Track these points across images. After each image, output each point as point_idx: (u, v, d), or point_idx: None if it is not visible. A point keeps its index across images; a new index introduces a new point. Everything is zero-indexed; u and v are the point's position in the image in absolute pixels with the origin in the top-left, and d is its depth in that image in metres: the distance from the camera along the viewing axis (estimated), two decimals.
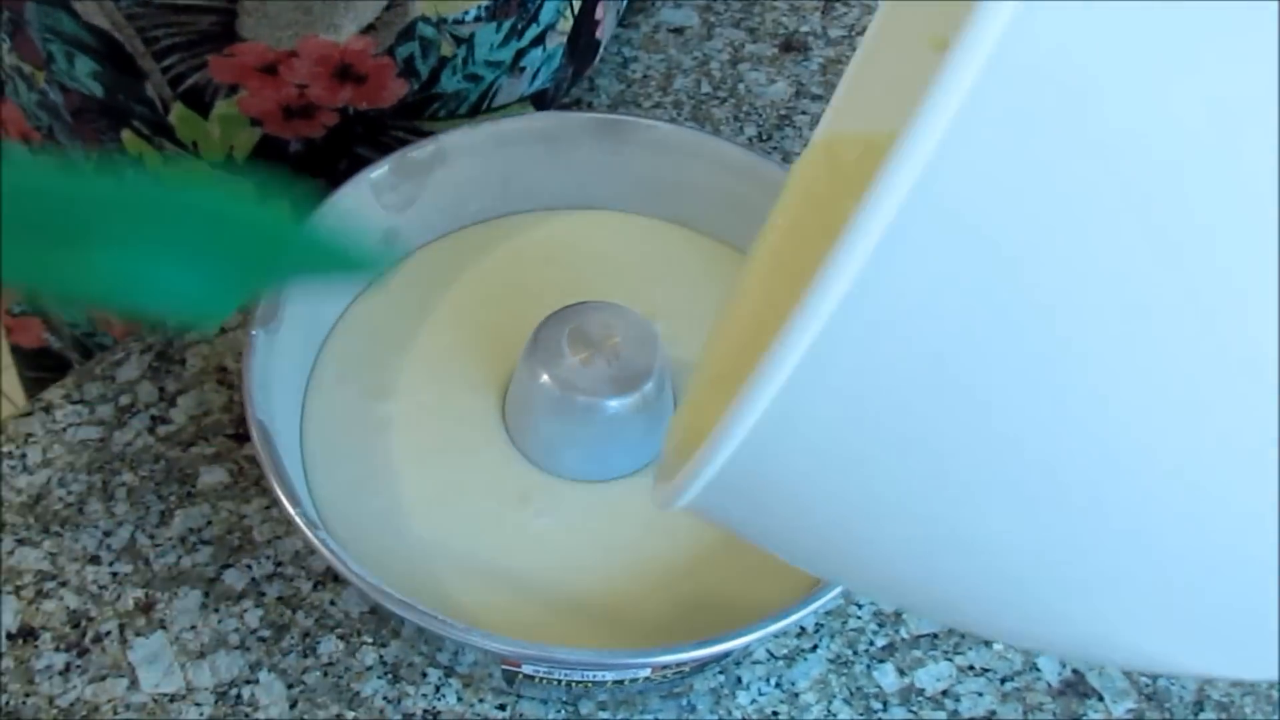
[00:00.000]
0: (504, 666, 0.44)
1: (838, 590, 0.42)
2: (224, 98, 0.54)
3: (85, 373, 0.55)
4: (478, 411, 0.50)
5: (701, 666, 0.46)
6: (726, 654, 0.44)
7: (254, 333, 0.46)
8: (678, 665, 0.43)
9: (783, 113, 0.70)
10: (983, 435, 0.24)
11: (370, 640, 0.49)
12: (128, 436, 0.53)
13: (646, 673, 0.44)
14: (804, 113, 0.70)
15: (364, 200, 0.52)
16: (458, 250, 0.55)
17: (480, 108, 0.58)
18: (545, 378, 0.46)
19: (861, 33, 0.75)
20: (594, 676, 0.44)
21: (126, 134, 0.58)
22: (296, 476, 0.45)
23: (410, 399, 0.50)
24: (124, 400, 0.54)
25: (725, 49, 0.73)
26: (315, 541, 0.41)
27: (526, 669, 0.43)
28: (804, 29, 0.75)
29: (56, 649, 0.47)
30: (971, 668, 0.50)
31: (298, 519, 0.41)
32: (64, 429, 0.53)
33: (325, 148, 0.57)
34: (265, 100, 0.54)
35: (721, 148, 0.55)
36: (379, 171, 0.52)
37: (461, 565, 0.46)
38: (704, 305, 0.54)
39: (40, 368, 0.78)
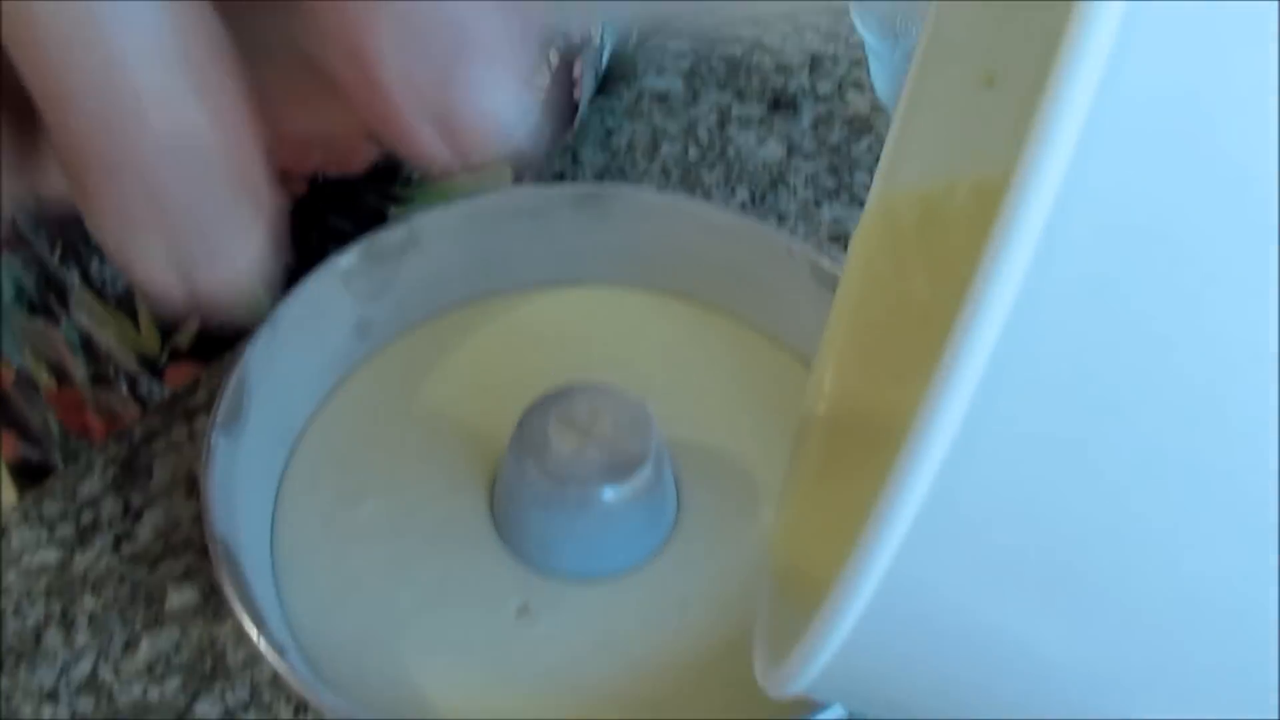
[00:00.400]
0: None
1: None
2: None
3: (45, 490, 0.51)
4: (464, 510, 0.46)
5: None
6: None
7: (214, 439, 0.42)
8: None
9: (775, 174, 0.67)
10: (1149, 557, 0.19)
11: None
12: (89, 558, 0.49)
13: None
14: (797, 171, 0.67)
15: (333, 291, 0.48)
16: (436, 337, 0.51)
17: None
18: (533, 470, 0.43)
19: (853, 86, 0.72)
20: None
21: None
22: (266, 593, 0.41)
23: (390, 501, 0.46)
24: (86, 518, 0.50)
25: (712, 112, 0.70)
26: (284, 669, 0.37)
27: None
28: (792, 87, 0.72)
29: None
30: None
31: (262, 645, 0.37)
32: (20, 555, 0.49)
33: (294, 218, 0.54)
34: None
35: (710, 213, 0.52)
36: (347, 259, 0.48)
37: (454, 681, 0.42)
38: (699, 379, 0.51)
39: (26, 481, 0.74)
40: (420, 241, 0.50)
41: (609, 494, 0.42)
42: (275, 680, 0.46)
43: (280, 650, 0.37)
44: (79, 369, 0.65)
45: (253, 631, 0.37)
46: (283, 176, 0.53)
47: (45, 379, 0.68)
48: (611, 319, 0.53)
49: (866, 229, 0.34)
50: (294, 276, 0.47)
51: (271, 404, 0.45)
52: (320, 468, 0.47)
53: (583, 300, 0.53)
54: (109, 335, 0.62)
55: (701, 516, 0.46)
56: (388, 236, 0.49)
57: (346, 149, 0.52)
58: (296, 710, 0.45)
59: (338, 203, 0.54)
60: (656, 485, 0.44)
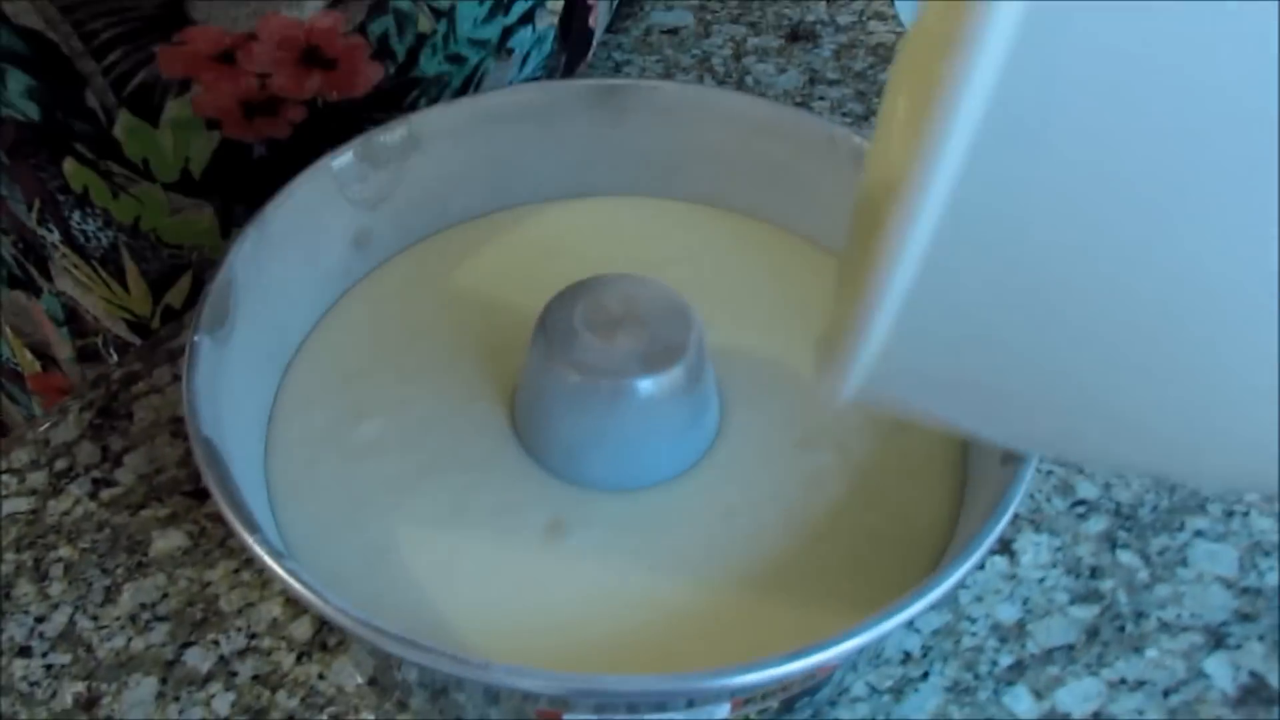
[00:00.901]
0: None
1: (963, 569, 0.32)
2: (175, 96, 0.47)
3: (14, 439, 0.46)
4: (481, 423, 0.41)
5: (790, 705, 0.36)
6: (831, 671, 0.34)
7: (196, 338, 0.37)
8: (764, 693, 0.33)
9: (798, 101, 0.62)
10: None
11: (371, 717, 0.39)
12: (65, 505, 0.44)
13: (724, 713, 0.34)
14: (822, 98, 0.62)
15: (327, 194, 0.43)
16: (443, 252, 0.47)
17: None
18: (560, 365, 0.38)
19: (875, 16, 0.68)
20: None
21: (69, 164, 0.50)
22: (261, 513, 0.36)
23: (398, 417, 0.41)
24: (60, 465, 0.45)
25: (726, 44, 0.65)
26: (280, 572, 0.31)
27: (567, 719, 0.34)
28: (810, 19, 0.67)
29: None
30: (1123, 681, 0.40)
31: (256, 546, 0.32)
32: None
33: (294, 150, 0.49)
34: (222, 96, 0.47)
35: (740, 103, 0.47)
36: (343, 159, 0.44)
37: (475, 605, 0.36)
38: (737, 286, 0.46)
39: None
40: (421, 143, 0.45)
41: (647, 387, 0.37)
42: (275, 625, 0.41)
43: (276, 554, 0.32)
44: (63, 346, 0.60)
45: (244, 534, 0.32)
46: (279, 103, 0.49)
47: (28, 361, 0.63)
48: (635, 230, 0.48)
49: None
50: None
51: (263, 314, 0.40)
52: (319, 386, 0.42)
53: (602, 211, 0.48)
54: (95, 301, 0.57)
55: (746, 424, 0.41)
56: (385, 136, 0.44)
57: (348, 70, 0.48)
58: (299, 656, 0.40)
59: (339, 129, 0.50)
60: (698, 382, 0.39)
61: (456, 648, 0.34)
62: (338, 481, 0.39)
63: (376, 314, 0.44)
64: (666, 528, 0.38)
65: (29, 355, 0.62)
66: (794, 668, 0.30)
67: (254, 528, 0.33)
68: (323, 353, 0.43)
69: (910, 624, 0.41)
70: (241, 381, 0.39)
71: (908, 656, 0.41)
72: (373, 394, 0.41)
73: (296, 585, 0.31)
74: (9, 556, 0.42)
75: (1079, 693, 0.40)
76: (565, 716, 0.33)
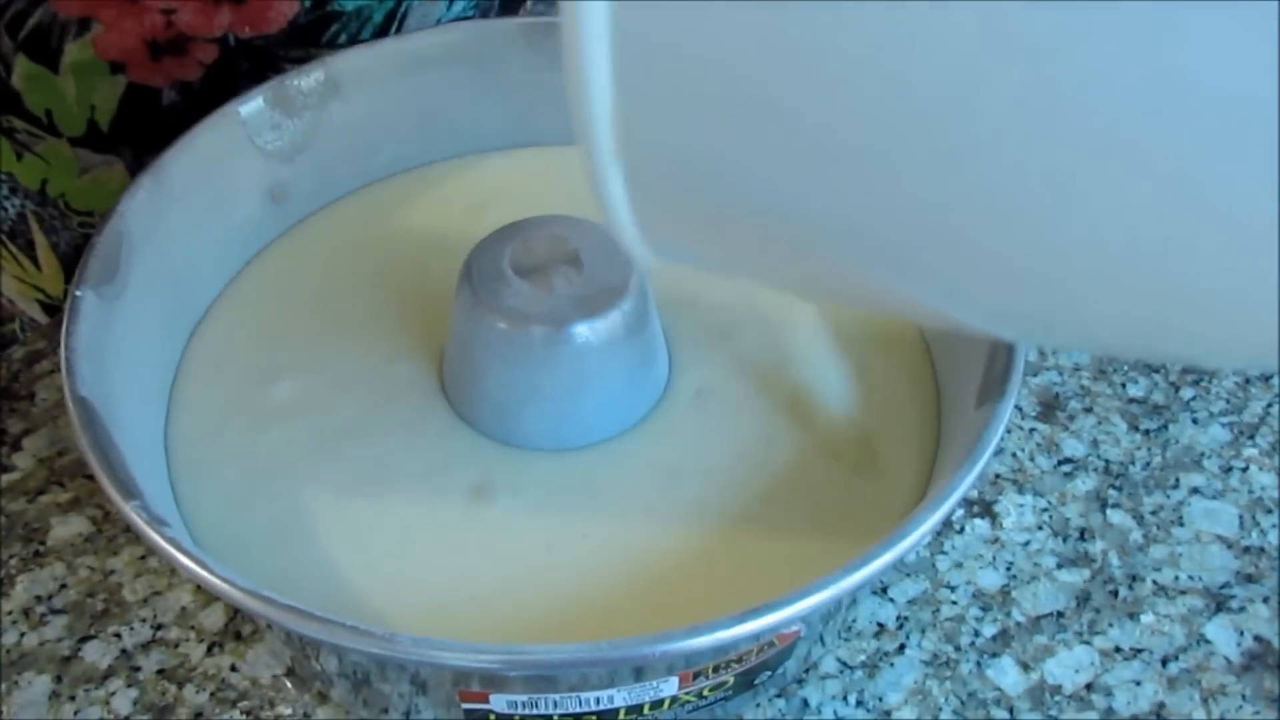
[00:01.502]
0: (466, 705, 0.30)
1: (939, 513, 0.28)
2: (75, 38, 0.43)
3: None
4: (406, 381, 0.37)
5: (750, 681, 0.32)
6: (791, 642, 0.31)
7: (79, 293, 0.33)
8: (715, 665, 0.30)
9: None
10: None
11: (289, 712, 0.35)
12: None
13: (673, 689, 0.30)
14: None
15: (235, 143, 0.40)
16: (369, 207, 0.43)
17: (389, 33, 0.47)
18: (486, 312, 0.34)
19: None
20: (598, 703, 0.30)
21: None
22: (154, 482, 0.32)
23: (314, 378, 0.37)
24: None
25: None
26: (159, 541, 0.28)
27: (497, 704, 0.30)
28: None
29: None
30: (1118, 649, 0.37)
31: (132, 514, 0.28)
32: None
33: (207, 97, 0.45)
34: (125, 35, 0.43)
35: None
36: (252, 105, 0.40)
37: (393, 578, 0.33)
38: None
39: None
40: (341, 89, 0.41)
41: (583, 334, 0.34)
42: (183, 614, 0.37)
43: (156, 521, 0.28)
44: None
45: (118, 499, 0.28)
46: (188, 41, 0.45)
47: None
48: (579, 181, 0.44)
49: None
50: None
51: (163, 272, 0.37)
52: (228, 349, 0.38)
53: (542, 161, 0.45)
54: (6, 280, 0.53)
55: (697, 377, 0.37)
56: (300, 80, 0.41)
57: (259, 2, 0.44)
58: (210, 648, 0.36)
59: (253, 73, 0.46)
60: (641, 329, 0.35)
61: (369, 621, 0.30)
62: (245, 449, 0.35)
63: (295, 273, 0.41)
64: (603, 490, 0.35)
65: None
66: (737, 632, 0.26)
67: (131, 494, 0.29)
68: (233, 314, 0.39)
69: (884, 593, 0.38)
70: (137, 344, 0.35)
71: (882, 629, 0.37)
72: (287, 356, 0.38)
73: (173, 552, 0.27)
74: None
75: (1070, 663, 0.36)
76: (493, 697, 0.30)
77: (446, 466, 0.35)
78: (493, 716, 0.30)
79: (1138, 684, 0.36)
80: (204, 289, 0.39)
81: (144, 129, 0.46)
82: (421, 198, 0.43)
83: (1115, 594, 0.38)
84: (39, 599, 0.37)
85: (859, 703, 0.35)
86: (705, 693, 0.31)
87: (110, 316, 0.34)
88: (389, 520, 0.34)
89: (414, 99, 0.43)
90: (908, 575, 0.38)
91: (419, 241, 0.42)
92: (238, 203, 0.40)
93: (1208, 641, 0.37)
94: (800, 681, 0.36)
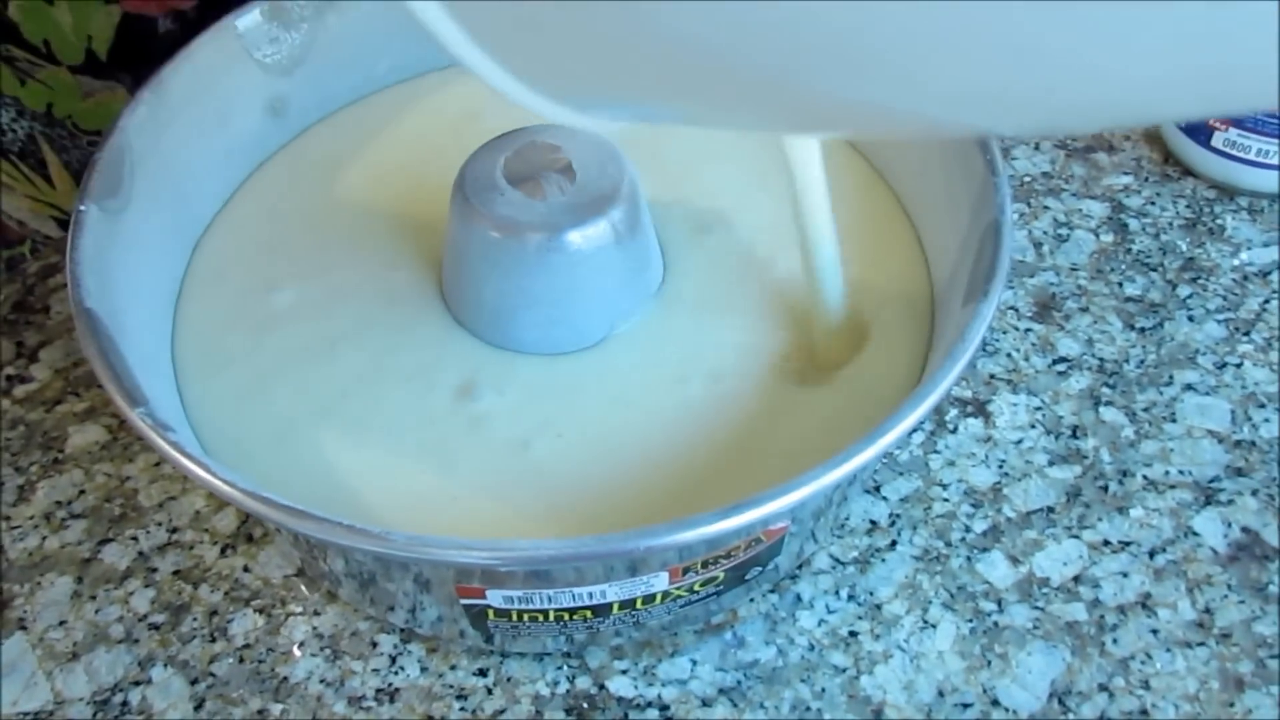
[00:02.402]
0: (464, 601, 0.31)
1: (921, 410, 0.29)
2: None
3: None
4: (405, 288, 0.38)
5: (741, 576, 0.33)
6: (779, 537, 0.32)
7: (83, 208, 0.34)
8: (704, 560, 0.31)
9: None
10: None
11: (300, 610, 0.36)
12: None
13: (664, 583, 0.31)
14: None
15: (233, 57, 0.40)
16: (367, 118, 0.43)
17: None
18: (480, 222, 0.34)
19: None
20: (591, 598, 0.31)
21: None
22: (160, 388, 0.33)
23: (315, 284, 0.38)
24: None
25: None
26: (163, 445, 0.29)
27: (494, 599, 0.31)
28: None
29: None
30: (1106, 543, 0.37)
31: (137, 419, 0.29)
32: None
33: (200, 22, 0.45)
34: None
35: None
36: (249, 18, 0.40)
37: (384, 473, 0.34)
38: (679, 143, 0.42)
39: None
40: (336, 1, 0.42)
41: (575, 240, 0.34)
42: (197, 518, 0.38)
43: (161, 427, 0.29)
44: None
45: (124, 406, 0.29)
46: None
47: None
48: None
49: None
50: None
51: (166, 185, 0.37)
52: (231, 258, 0.39)
53: None
54: (19, 201, 0.54)
55: (690, 280, 0.38)
56: None
57: None
58: (223, 549, 0.38)
59: None
60: (633, 234, 0.36)
61: (365, 518, 0.31)
62: (248, 354, 0.36)
63: (296, 184, 0.41)
64: (584, 391, 0.35)
65: None
66: (722, 526, 0.27)
67: (137, 401, 0.30)
68: (236, 225, 0.40)
69: (876, 491, 0.39)
70: (142, 256, 0.36)
71: (874, 525, 0.38)
72: (289, 264, 0.39)
73: (177, 456, 0.28)
74: None
75: (1058, 556, 0.37)
76: (489, 592, 0.31)
77: (436, 367, 0.36)
78: (491, 611, 0.32)
79: (1124, 575, 0.37)
80: (206, 201, 0.40)
81: (141, 57, 0.46)
82: (416, 107, 0.44)
83: (1105, 489, 0.39)
84: (59, 504, 0.39)
85: (850, 597, 0.36)
86: (696, 587, 0.32)
87: (114, 230, 0.35)
88: (379, 419, 0.35)
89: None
90: (900, 474, 0.39)
91: (415, 151, 0.42)
92: (237, 116, 0.41)
93: (1195, 534, 0.38)
94: (793, 577, 0.37)
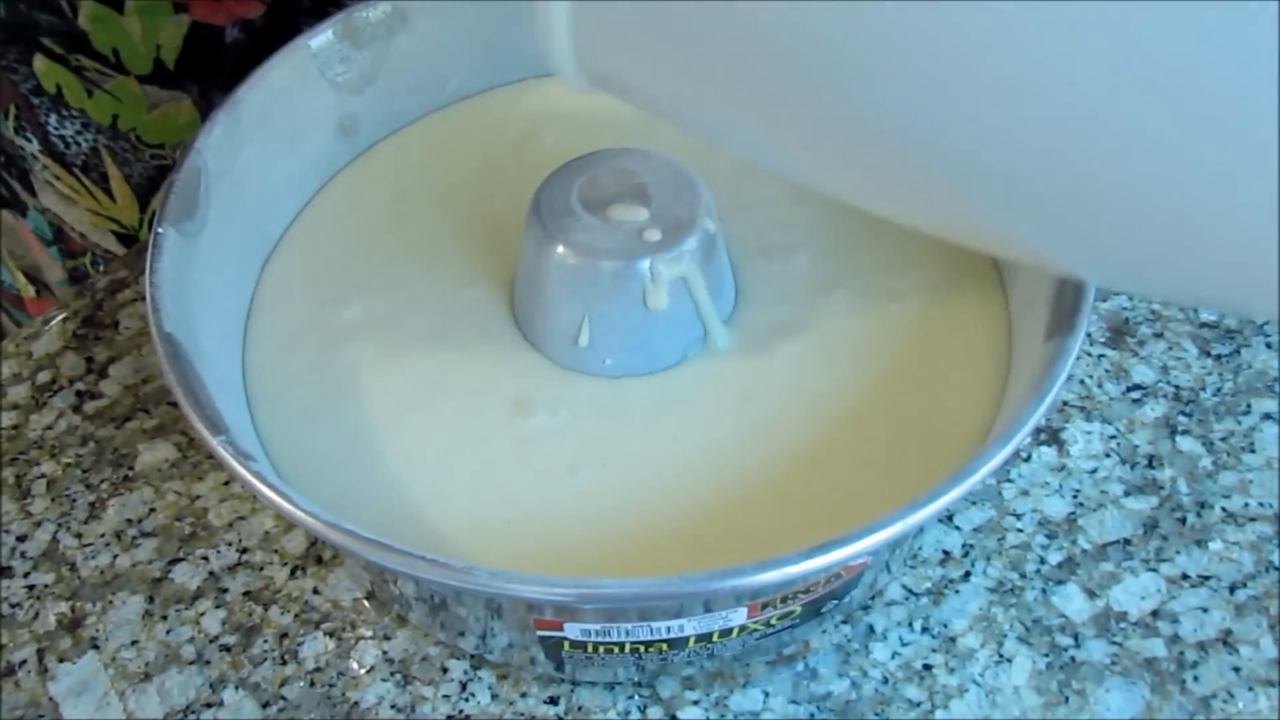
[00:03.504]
0: (541, 633, 0.31)
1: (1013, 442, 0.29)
2: None
3: None
4: (475, 304, 0.38)
5: (816, 609, 0.33)
6: (859, 572, 0.31)
7: (160, 230, 0.34)
8: (783, 596, 0.30)
9: None
10: None
11: (370, 634, 0.36)
12: (47, 419, 0.42)
13: (741, 618, 0.31)
14: None
15: (306, 76, 0.40)
16: (435, 133, 0.43)
17: None
18: (557, 248, 0.34)
19: None
20: (668, 632, 0.31)
21: (39, 62, 0.47)
22: (234, 408, 0.33)
23: (383, 299, 0.38)
24: (43, 378, 0.43)
25: None
26: (245, 474, 0.29)
27: (571, 631, 0.31)
28: None
29: None
30: (1185, 576, 0.37)
31: (219, 448, 0.29)
32: None
33: (268, 31, 0.46)
34: None
35: None
36: (321, 38, 0.40)
37: (440, 492, 0.34)
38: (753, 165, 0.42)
39: None
40: (409, 20, 0.41)
41: (650, 267, 0.34)
42: (267, 539, 0.38)
43: (243, 456, 0.29)
44: (54, 268, 0.57)
45: (206, 434, 0.29)
46: None
47: (23, 284, 0.60)
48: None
49: None
50: None
51: (240, 205, 0.38)
52: (300, 274, 0.39)
53: None
54: (80, 214, 0.54)
55: (759, 308, 0.38)
56: (368, 12, 0.41)
57: None
58: (293, 571, 0.38)
59: (316, 8, 0.47)
60: (707, 262, 0.35)
61: (424, 542, 0.31)
62: (315, 369, 0.36)
63: (364, 199, 0.41)
64: (638, 420, 0.35)
65: (22, 278, 0.60)
66: (806, 566, 0.27)
67: (218, 429, 0.30)
68: (305, 241, 0.40)
69: (949, 521, 0.38)
70: (216, 275, 0.36)
71: (947, 556, 0.37)
72: (356, 280, 0.39)
73: (259, 485, 0.28)
74: None
75: (1136, 590, 0.37)
76: (566, 625, 0.31)
77: (496, 382, 0.36)
78: (567, 643, 0.31)
79: (1204, 611, 0.36)
80: (276, 219, 0.40)
81: (209, 66, 0.47)
82: (481, 124, 0.44)
83: (1183, 521, 0.38)
84: (129, 522, 0.39)
85: (924, 629, 0.36)
86: (773, 621, 0.32)
87: (191, 251, 0.35)
88: (439, 434, 0.35)
89: (478, 27, 0.43)
90: (973, 503, 0.38)
91: (481, 168, 0.42)
92: (308, 135, 0.41)
93: (1277, 569, 0.37)
94: (866, 608, 0.36)
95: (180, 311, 0.33)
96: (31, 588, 0.38)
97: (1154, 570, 0.37)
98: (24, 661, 0.36)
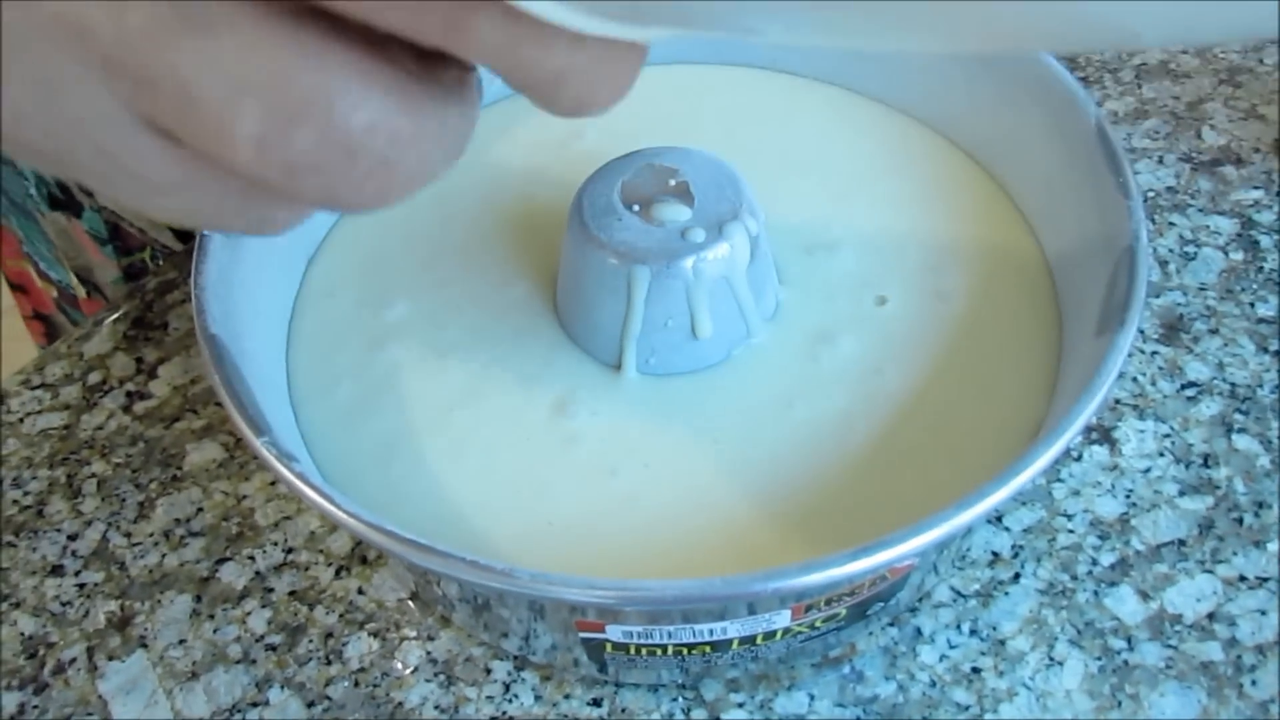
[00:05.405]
0: (583, 634, 0.31)
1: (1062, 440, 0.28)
2: None
3: (49, 354, 0.44)
4: (518, 302, 0.38)
5: (862, 611, 0.32)
6: (905, 574, 0.31)
7: (207, 235, 0.34)
8: (828, 598, 0.30)
9: None
10: None
11: (413, 634, 0.36)
12: (98, 419, 0.42)
13: (785, 620, 0.31)
14: None
15: None
16: (477, 134, 0.42)
17: None
18: (599, 248, 0.34)
19: None
20: (711, 634, 0.31)
21: None
22: (278, 408, 0.34)
23: (425, 298, 0.38)
24: (94, 378, 0.43)
25: None
26: (288, 475, 0.29)
27: (613, 633, 0.31)
28: None
29: (7, 687, 0.36)
30: (1242, 578, 0.36)
31: (262, 449, 0.29)
32: (20, 419, 0.42)
33: None
34: None
35: None
36: None
37: (482, 492, 0.34)
38: (796, 152, 0.42)
39: None
40: None
41: (693, 267, 0.34)
42: (312, 539, 0.38)
43: (286, 457, 0.29)
44: (107, 267, 0.58)
45: (249, 434, 0.29)
46: None
47: (77, 285, 0.61)
48: (683, 99, 0.44)
49: None
50: None
51: None
52: (343, 274, 0.39)
53: (647, 80, 0.44)
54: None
55: (804, 306, 0.37)
56: None
57: None
58: (338, 571, 0.38)
59: None
60: (751, 261, 0.35)
61: (466, 542, 0.31)
62: (358, 369, 0.36)
63: (403, 206, 0.41)
64: (680, 421, 0.35)
65: (75, 279, 0.61)
66: (851, 568, 0.26)
67: (261, 430, 0.30)
68: (349, 242, 0.40)
69: (998, 522, 0.38)
70: (260, 277, 0.36)
71: (996, 557, 0.37)
72: (400, 280, 0.39)
73: (303, 487, 0.28)
74: (41, 473, 0.41)
75: (1191, 592, 0.36)
76: (609, 628, 0.30)
77: (538, 380, 0.35)
78: (609, 645, 0.31)
79: (1262, 613, 0.35)
80: (320, 220, 0.40)
81: None
82: (524, 123, 0.43)
83: (1240, 522, 0.37)
84: (177, 521, 0.39)
85: (972, 631, 0.35)
86: (818, 624, 0.31)
87: (236, 253, 0.35)
88: (481, 433, 0.35)
89: None
90: (1023, 504, 0.38)
91: (523, 167, 0.42)
92: None
93: None
94: (913, 610, 0.36)
95: (225, 313, 0.33)
96: (82, 586, 0.38)
97: (1210, 572, 0.36)
98: (74, 660, 0.36)
